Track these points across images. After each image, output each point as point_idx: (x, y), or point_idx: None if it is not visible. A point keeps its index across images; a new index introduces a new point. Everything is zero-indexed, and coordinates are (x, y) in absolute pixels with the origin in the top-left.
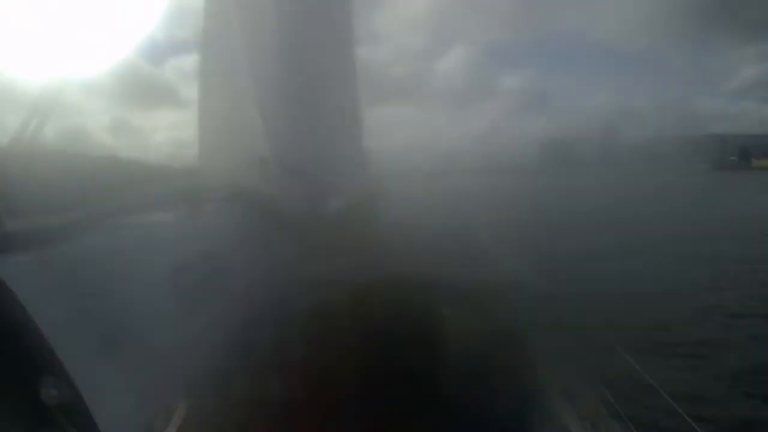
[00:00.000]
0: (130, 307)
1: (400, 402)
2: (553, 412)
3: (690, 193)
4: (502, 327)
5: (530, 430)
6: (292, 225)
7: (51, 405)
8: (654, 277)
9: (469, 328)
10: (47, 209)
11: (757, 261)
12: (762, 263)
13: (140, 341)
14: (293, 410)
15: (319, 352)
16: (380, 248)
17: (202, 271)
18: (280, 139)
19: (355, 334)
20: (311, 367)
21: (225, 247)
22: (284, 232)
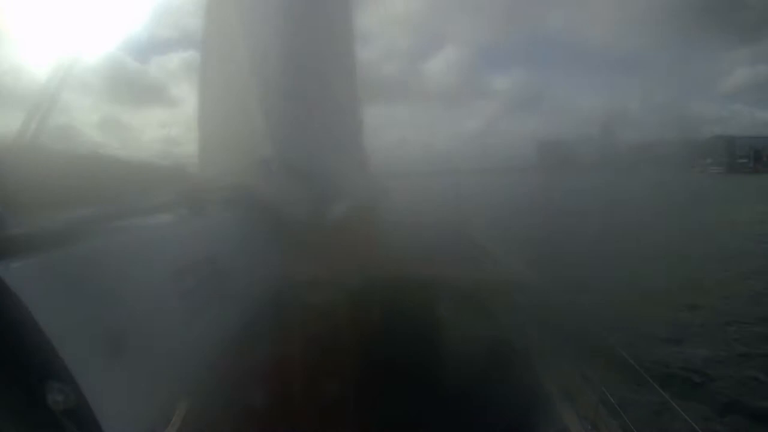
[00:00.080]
0: (132, 309)
1: (401, 402)
2: (553, 412)
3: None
4: (502, 327)
5: (530, 430)
6: (294, 227)
7: (56, 410)
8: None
9: (470, 329)
10: (49, 211)
11: None
12: None
13: (143, 344)
14: (293, 411)
15: (320, 354)
16: (382, 250)
17: (204, 274)
18: (281, 140)
19: (356, 335)
20: (311, 368)
21: (227, 249)
22: (286, 233)
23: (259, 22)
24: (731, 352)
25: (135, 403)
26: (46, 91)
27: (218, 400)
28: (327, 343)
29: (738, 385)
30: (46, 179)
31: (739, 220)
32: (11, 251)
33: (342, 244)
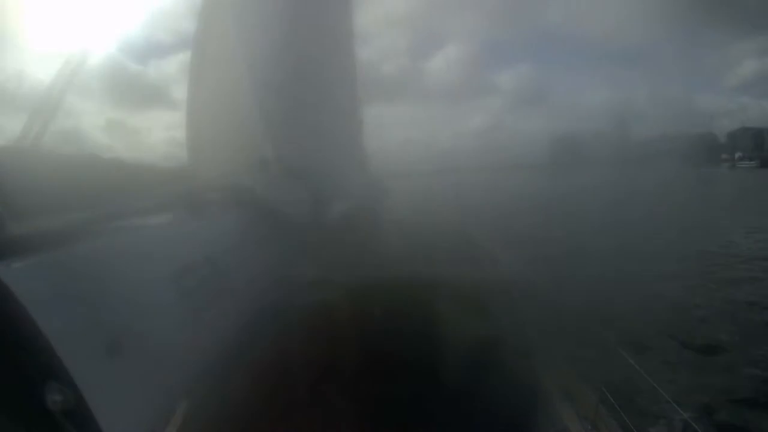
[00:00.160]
0: (131, 310)
1: (401, 402)
2: (553, 412)
3: None
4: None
5: (530, 429)
6: (293, 226)
7: (55, 410)
8: None
9: (470, 329)
10: (50, 212)
11: None
12: None
13: (142, 344)
14: (293, 410)
15: (319, 353)
16: (381, 250)
17: (203, 275)
18: (280, 141)
19: (356, 335)
20: (311, 368)
21: (226, 250)
22: (285, 234)
23: (257, 24)
24: None
25: (134, 404)
26: (48, 95)
27: (218, 401)
28: (326, 342)
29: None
30: (47, 181)
31: None
32: (11, 252)
33: (341, 244)
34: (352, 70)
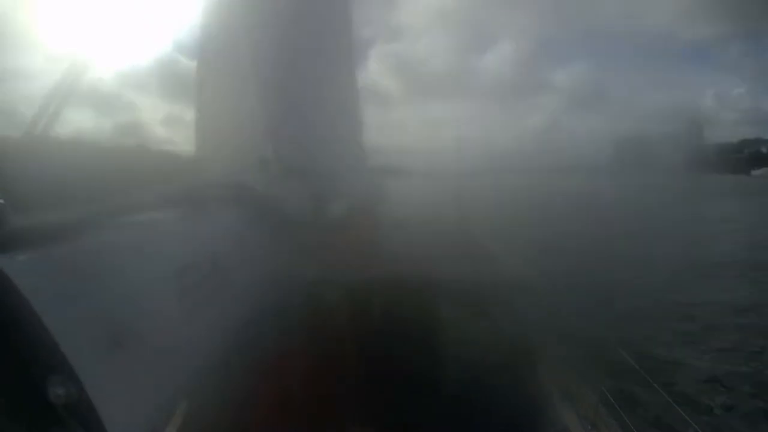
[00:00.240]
0: (133, 305)
1: (401, 401)
2: (553, 412)
3: None
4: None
5: (530, 429)
6: (293, 224)
7: (57, 403)
8: None
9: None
10: (51, 205)
11: None
12: None
13: (144, 339)
14: (293, 409)
15: (319, 351)
16: (378, 248)
17: (205, 271)
18: (282, 140)
19: (356, 333)
20: (311, 366)
21: (228, 246)
22: (286, 231)
23: (259, 25)
24: None
25: (136, 398)
26: (50, 93)
27: (218, 399)
28: (326, 340)
29: None
30: (49, 176)
31: None
32: (14, 245)
33: (339, 242)
34: (352, 71)
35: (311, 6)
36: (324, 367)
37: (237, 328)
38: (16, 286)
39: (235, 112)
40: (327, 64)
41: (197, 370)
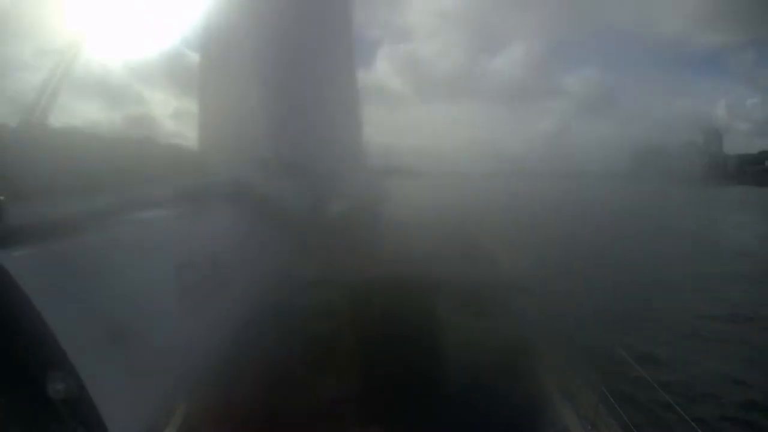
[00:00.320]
0: (133, 301)
1: (400, 401)
2: (553, 412)
3: None
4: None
5: (530, 429)
6: (294, 223)
7: (56, 398)
8: None
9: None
10: (50, 197)
11: None
12: None
13: (144, 335)
14: (293, 409)
15: (319, 350)
16: (378, 248)
17: (205, 268)
18: (282, 139)
19: (354, 333)
20: (311, 365)
21: (228, 243)
22: (287, 229)
23: (261, 23)
24: None
25: (136, 395)
26: (43, 86)
27: (218, 399)
28: (325, 339)
29: None
30: (49, 167)
31: None
32: (14, 240)
33: (338, 240)
34: (351, 71)
35: (313, 5)
36: (324, 366)
37: (237, 326)
38: (15, 281)
39: (236, 111)
40: (328, 63)
41: (197, 368)
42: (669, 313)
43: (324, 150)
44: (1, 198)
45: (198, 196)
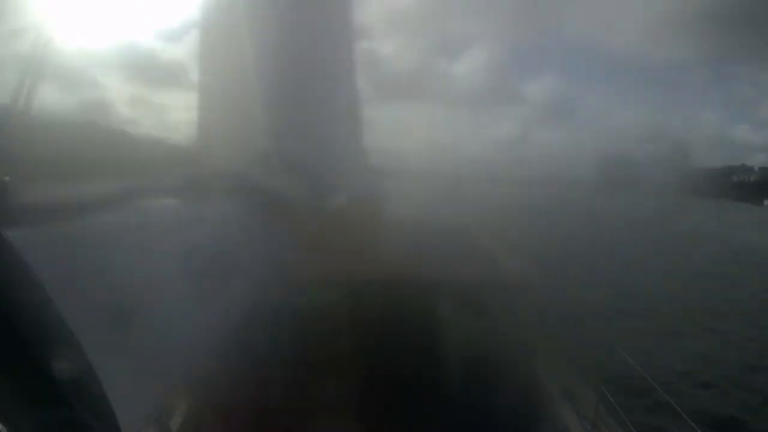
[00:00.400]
0: (137, 285)
1: (400, 401)
2: (553, 412)
3: None
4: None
5: (530, 430)
6: (295, 218)
7: (63, 379)
8: None
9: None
10: (55, 180)
11: None
12: None
13: (147, 321)
14: (295, 402)
15: (319, 348)
16: (381, 244)
17: (207, 257)
18: (282, 134)
19: (357, 329)
20: (311, 363)
21: (230, 235)
22: (287, 224)
23: (261, 21)
24: None
25: (143, 377)
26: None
27: (222, 388)
28: (328, 336)
29: None
30: (56, 151)
31: None
32: (22, 219)
33: (338, 236)
34: (351, 68)
35: (313, 3)
36: (324, 364)
37: (238, 311)
38: (23, 259)
39: (236, 106)
40: (328, 61)
41: (200, 357)
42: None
43: (325, 148)
44: (7, 178)
45: (200, 188)
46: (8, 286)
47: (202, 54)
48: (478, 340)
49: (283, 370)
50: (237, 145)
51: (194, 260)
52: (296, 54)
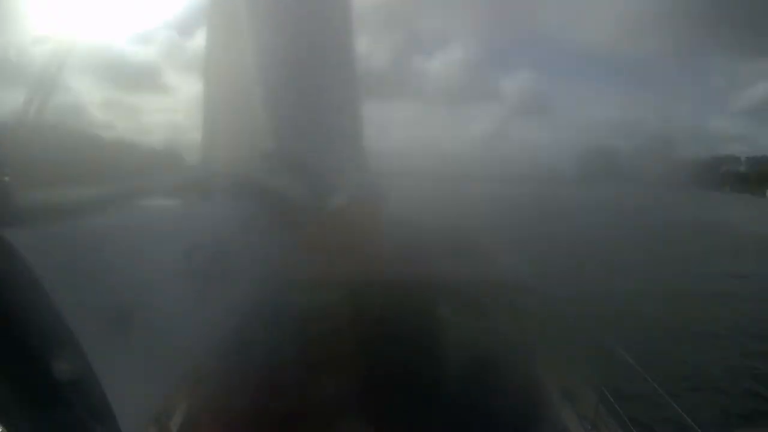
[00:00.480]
0: (138, 287)
1: (400, 402)
2: (553, 412)
3: None
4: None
5: (530, 430)
6: (296, 218)
7: (62, 380)
8: None
9: (469, 328)
10: (57, 185)
11: None
12: None
13: (149, 321)
14: (295, 402)
15: (319, 348)
16: (382, 242)
17: (209, 256)
18: (283, 133)
19: (357, 329)
20: (311, 363)
21: (231, 235)
22: (288, 224)
23: (261, 20)
24: None
25: (143, 379)
26: (47, 71)
27: (223, 387)
28: (328, 336)
29: None
30: (58, 155)
31: None
32: (22, 220)
33: (338, 236)
34: (352, 66)
35: (314, 4)
36: (324, 363)
37: (238, 313)
38: (24, 260)
39: (238, 108)
40: (329, 60)
41: (203, 356)
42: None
43: (325, 147)
44: (7, 178)
45: (202, 187)
46: (8, 286)
47: (206, 57)
48: (477, 340)
49: (283, 370)
50: (237, 144)
51: (194, 260)
52: (296, 53)
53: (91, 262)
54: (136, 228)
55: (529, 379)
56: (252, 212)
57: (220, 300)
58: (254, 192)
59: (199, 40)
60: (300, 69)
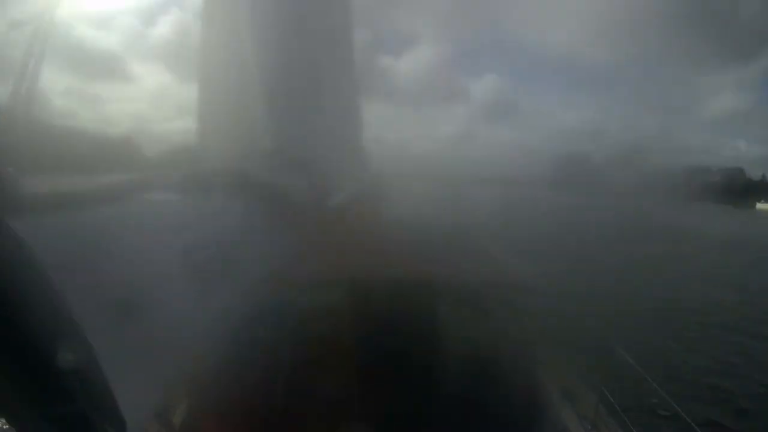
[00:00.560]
0: (142, 280)
1: (399, 401)
2: (553, 412)
3: None
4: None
5: (530, 430)
6: (296, 215)
7: (67, 373)
8: None
9: (469, 327)
10: (56, 174)
11: None
12: None
13: (151, 315)
14: (295, 402)
15: (319, 347)
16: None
17: (209, 252)
18: (283, 132)
19: (357, 329)
20: (311, 363)
21: (231, 231)
22: (288, 221)
23: (260, 17)
24: None
25: (146, 371)
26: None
27: (219, 394)
28: (329, 336)
29: None
30: (59, 146)
31: None
32: (27, 210)
33: (339, 235)
34: (351, 65)
35: (314, 2)
36: (324, 362)
37: (238, 310)
38: (28, 249)
39: (237, 103)
40: (329, 59)
41: (201, 357)
42: None
43: (326, 146)
44: (11, 169)
45: (202, 184)
46: (14, 278)
47: (203, 51)
48: (477, 340)
49: (283, 370)
50: (237, 142)
51: (195, 258)
52: (296, 53)
53: (92, 258)
54: (139, 222)
55: (529, 379)
56: (252, 210)
57: (220, 299)
58: (255, 190)
59: (162, 29)
60: (300, 68)
